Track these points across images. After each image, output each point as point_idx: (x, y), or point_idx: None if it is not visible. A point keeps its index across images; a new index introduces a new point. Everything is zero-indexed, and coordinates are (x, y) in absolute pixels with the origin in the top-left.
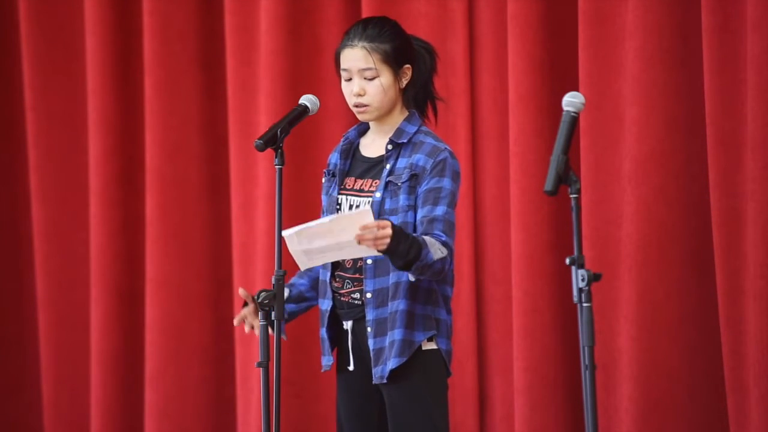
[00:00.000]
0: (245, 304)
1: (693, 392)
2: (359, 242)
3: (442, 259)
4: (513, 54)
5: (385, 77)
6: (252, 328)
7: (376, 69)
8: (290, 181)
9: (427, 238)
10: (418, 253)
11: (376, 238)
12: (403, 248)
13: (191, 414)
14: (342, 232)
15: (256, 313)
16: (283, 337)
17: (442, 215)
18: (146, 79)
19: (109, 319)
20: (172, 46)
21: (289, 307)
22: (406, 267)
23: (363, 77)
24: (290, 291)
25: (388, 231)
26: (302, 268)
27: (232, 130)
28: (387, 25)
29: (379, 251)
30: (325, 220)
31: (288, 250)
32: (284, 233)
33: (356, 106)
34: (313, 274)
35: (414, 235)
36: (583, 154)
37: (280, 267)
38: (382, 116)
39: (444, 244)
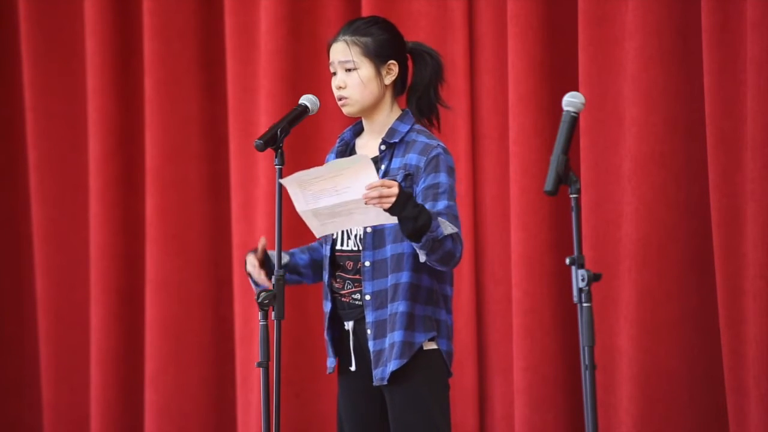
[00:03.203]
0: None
1: (693, 392)
2: (366, 202)
3: (453, 238)
4: (513, 54)
5: (365, 70)
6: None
7: (354, 61)
8: None
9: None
10: (428, 221)
11: (381, 196)
12: (410, 211)
13: (191, 414)
14: (347, 188)
15: (261, 265)
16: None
17: (445, 209)
18: (146, 79)
19: (109, 319)
20: (172, 46)
21: (280, 272)
22: (416, 235)
23: (344, 70)
24: (289, 258)
25: (395, 190)
26: (317, 235)
27: (232, 130)
28: (374, 22)
29: (385, 210)
30: (322, 168)
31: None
32: (283, 180)
33: (339, 99)
34: (315, 255)
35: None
36: (583, 154)
37: (280, 267)
38: (366, 111)
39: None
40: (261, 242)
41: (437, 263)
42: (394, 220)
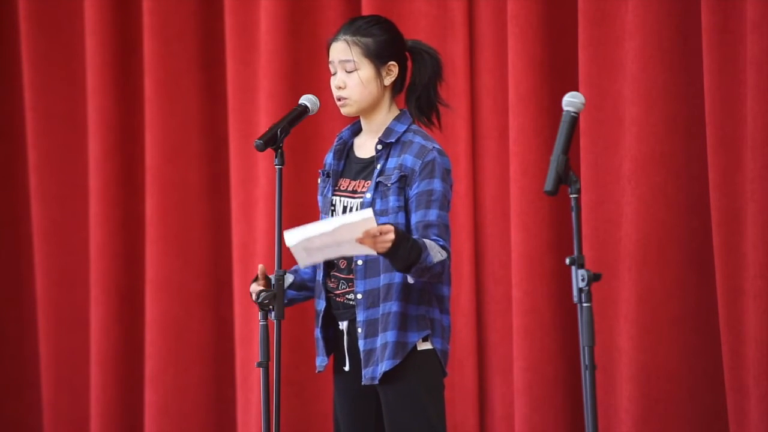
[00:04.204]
0: (256, 278)
1: (693, 392)
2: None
3: (441, 262)
4: (513, 54)
5: (365, 71)
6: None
7: (354, 62)
8: (290, 181)
9: (427, 241)
10: (418, 255)
11: (376, 243)
12: (403, 252)
13: (191, 414)
14: (345, 237)
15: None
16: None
17: (436, 219)
18: (146, 79)
19: (109, 319)
20: (172, 46)
21: (290, 293)
22: (405, 269)
23: (344, 70)
24: (294, 277)
25: (391, 236)
26: (301, 265)
27: (232, 130)
28: (375, 22)
29: (378, 253)
30: (327, 227)
31: (288, 250)
32: (286, 235)
33: (338, 99)
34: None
35: (415, 238)
36: (583, 154)
37: (280, 267)
38: (365, 111)
39: (443, 247)
40: (260, 269)
41: (424, 280)
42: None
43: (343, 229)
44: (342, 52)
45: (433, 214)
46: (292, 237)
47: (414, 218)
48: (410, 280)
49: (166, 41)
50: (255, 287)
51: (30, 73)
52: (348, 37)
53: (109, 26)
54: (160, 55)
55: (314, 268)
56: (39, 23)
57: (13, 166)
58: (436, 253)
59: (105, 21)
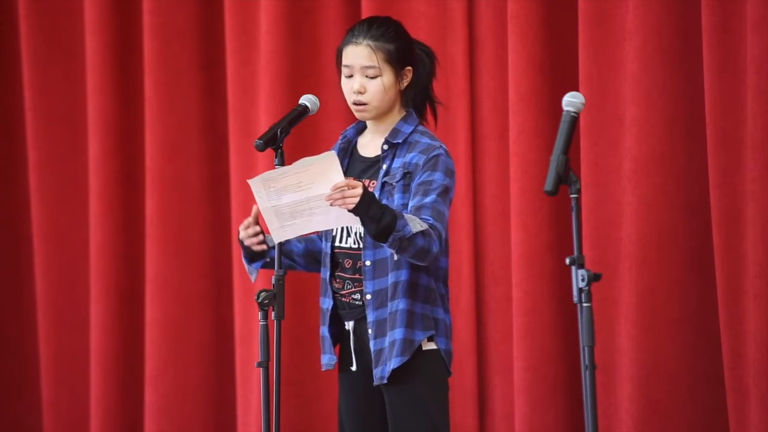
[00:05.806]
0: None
1: (693, 392)
2: (331, 204)
3: (423, 234)
4: (513, 54)
5: (387, 77)
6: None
7: (379, 68)
8: None
9: (406, 213)
10: (393, 221)
11: (344, 197)
12: (374, 212)
13: (191, 414)
14: (311, 184)
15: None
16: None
17: (431, 203)
18: (146, 79)
19: (109, 319)
20: (172, 46)
21: (273, 253)
22: (382, 236)
23: (365, 75)
24: (283, 243)
25: (358, 191)
26: (276, 239)
27: (232, 130)
28: (392, 26)
29: (348, 210)
30: (288, 167)
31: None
32: (249, 180)
33: (355, 104)
34: (311, 246)
35: (390, 206)
36: (583, 154)
37: (280, 267)
38: (380, 116)
39: (431, 226)
40: (254, 210)
41: (412, 259)
42: (355, 221)
43: (306, 171)
44: (366, 57)
45: (428, 199)
46: (254, 178)
47: (410, 204)
48: (394, 257)
49: (166, 41)
50: (245, 224)
51: (30, 73)
52: (371, 43)
53: (109, 26)
54: (160, 55)
55: (306, 247)
56: (39, 23)
57: (13, 166)
58: (415, 224)
59: (105, 21)
